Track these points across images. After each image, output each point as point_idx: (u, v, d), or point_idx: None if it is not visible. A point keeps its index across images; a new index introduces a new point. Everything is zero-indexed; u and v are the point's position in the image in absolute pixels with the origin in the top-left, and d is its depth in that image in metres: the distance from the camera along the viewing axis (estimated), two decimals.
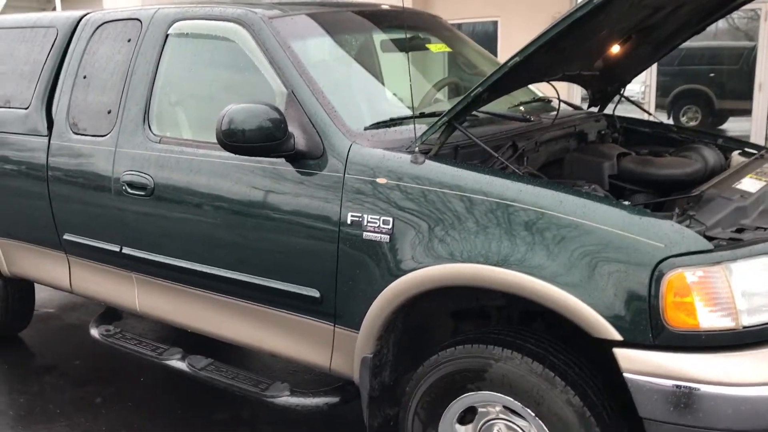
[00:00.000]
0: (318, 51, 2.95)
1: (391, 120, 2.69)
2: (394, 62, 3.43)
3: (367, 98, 2.98)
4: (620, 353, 2.02)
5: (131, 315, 3.76)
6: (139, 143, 3.10)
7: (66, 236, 3.46)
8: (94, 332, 3.53)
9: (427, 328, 2.69)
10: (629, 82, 3.45)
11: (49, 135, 3.51)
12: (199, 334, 3.15)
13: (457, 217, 2.26)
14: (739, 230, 2.13)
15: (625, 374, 2.01)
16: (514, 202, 2.19)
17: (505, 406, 2.30)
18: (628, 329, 2.00)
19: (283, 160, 2.61)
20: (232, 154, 2.68)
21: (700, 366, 1.94)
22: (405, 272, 2.33)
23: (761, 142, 8.07)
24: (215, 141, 2.63)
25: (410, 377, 2.54)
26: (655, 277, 1.97)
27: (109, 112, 3.26)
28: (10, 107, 3.72)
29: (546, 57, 2.41)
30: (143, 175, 3.04)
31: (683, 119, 11.96)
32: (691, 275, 1.95)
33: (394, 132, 2.64)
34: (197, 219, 2.89)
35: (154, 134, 3.08)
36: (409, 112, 2.79)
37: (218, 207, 2.81)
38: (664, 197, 2.67)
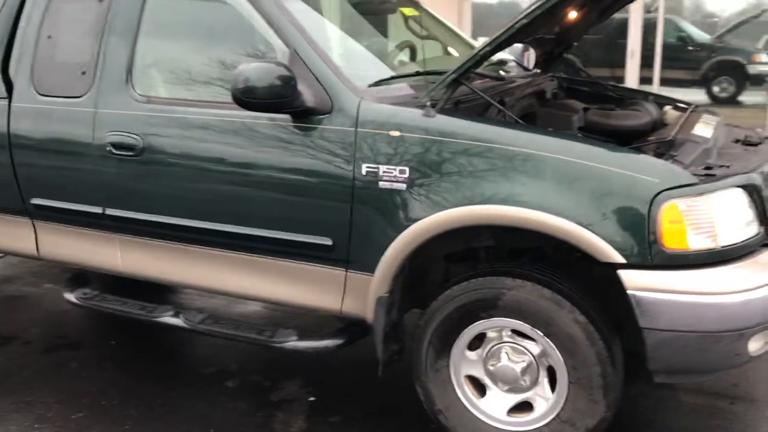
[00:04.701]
0: (307, 12, 3.07)
1: (392, 77, 2.90)
2: (360, 23, 3.62)
3: (358, 57, 3.15)
4: (624, 274, 2.37)
5: (97, 278, 3.73)
6: (124, 103, 3.10)
7: (33, 201, 3.39)
8: (70, 296, 3.48)
9: (424, 270, 2.94)
10: (574, 44, 3.83)
11: (9, 97, 3.40)
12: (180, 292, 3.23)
13: (473, 164, 2.51)
14: (708, 168, 2.53)
15: (628, 291, 2.36)
16: (525, 149, 2.47)
17: (513, 330, 2.61)
18: (630, 253, 2.35)
19: (290, 116, 2.75)
20: (235, 112, 2.78)
21: (691, 280, 2.33)
22: (423, 216, 2.55)
23: None
24: (211, 99, 2.80)
25: (410, 314, 2.79)
26: (653, 208, 2.33)
27: (83, 73, 3.22)
28: None
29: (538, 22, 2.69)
30: (130, 135, 3.06)
31: None
32: (682, 205, 2.33)
33: (395, 89, 2.84)
34: (197, 176, 2.95)
35: (140, 94, 3.09)
36: (390, 72, 3.06)
37: (222, 163, 2.89)
38: (625, 145, 3.06)
